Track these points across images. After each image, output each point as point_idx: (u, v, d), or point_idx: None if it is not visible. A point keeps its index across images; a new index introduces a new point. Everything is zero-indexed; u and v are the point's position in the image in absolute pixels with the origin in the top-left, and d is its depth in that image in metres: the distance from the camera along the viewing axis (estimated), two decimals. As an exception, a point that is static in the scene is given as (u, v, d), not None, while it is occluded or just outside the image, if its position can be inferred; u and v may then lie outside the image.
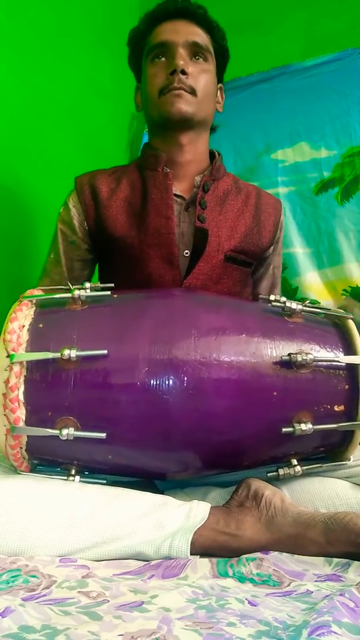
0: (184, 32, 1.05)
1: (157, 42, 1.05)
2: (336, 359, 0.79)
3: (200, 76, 1.05)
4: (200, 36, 1.06)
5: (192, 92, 1.03)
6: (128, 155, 1.93)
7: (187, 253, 1.05)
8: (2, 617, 0.50)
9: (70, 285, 0.82)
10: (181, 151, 1.08)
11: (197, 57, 1.05)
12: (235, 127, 1.76)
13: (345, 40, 1.75)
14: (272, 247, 1.16)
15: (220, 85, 1.15)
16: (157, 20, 1.07)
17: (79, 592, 0.58)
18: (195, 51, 1.05)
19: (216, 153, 1.14)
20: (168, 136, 1.07)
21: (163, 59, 1.05)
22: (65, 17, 1.56)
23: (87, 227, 1.07)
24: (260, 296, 0.87)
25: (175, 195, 1.06)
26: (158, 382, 0.74)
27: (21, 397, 0.73)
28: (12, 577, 0.61)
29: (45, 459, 0.80)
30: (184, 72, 1.02)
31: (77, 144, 1.62)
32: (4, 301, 1.13)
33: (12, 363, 0.73)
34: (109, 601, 0.56)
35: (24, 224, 1.42)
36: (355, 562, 0.69)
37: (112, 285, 0.83)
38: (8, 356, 0.73)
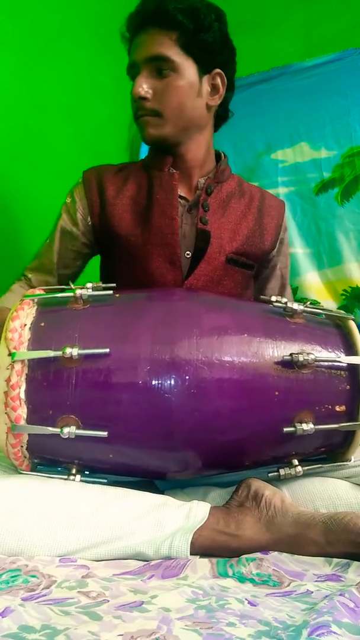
0: (145, 47, 0.98)
1: (129, 65, 1.03)
2: (337, 359, 0.79)
3: (165, 94, 0.99)
4: (161, 44, 0.97)
5: (157, 114, 1.00)
6: (128, 155, 1.93)
7: (188, 254, 1.05)
8: (2, 617, 0.50)
9: (72, 285, 0.83)
10: (181, 159, 1.07)
11: (160, 72, 0.98)
12: (235, 127, 1.74)
13: (345, 41, 1.76)
14: (275, 249, 1.15)
15: (217, 71, 1.03)
16: (130, 35, 1.03)
17: (78, 592, 0.58)
18: (158, 66, 0.98)
19: (222, 155, 1.13)
20: (163, 149, 1.07)
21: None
22: (65, 18, 1.56)
23: (90, 223, 1.07)
24: (262, 297, 0.87)
25: (180, 196, 1.06)
26: (160, 382, 0.74)
27: (22, 395, 0.73)
28: (12, 577, 0.61)
29: (46, 458, 0.80)
30: (142, 98, 0.99)
31: (77, 144, 1.62)
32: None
33: (13, 361, 0.73)
34: (108, 601, 0.56)
35: (24, 224, 1.42)
36: (355, 562, 0.69)
37: (114, 285, 0.84)
38: (10, 354, 0.73)
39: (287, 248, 1.20)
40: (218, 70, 1.03)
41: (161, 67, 0.98)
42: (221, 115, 1.12)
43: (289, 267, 1.22)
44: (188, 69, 1.00)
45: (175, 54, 0.98)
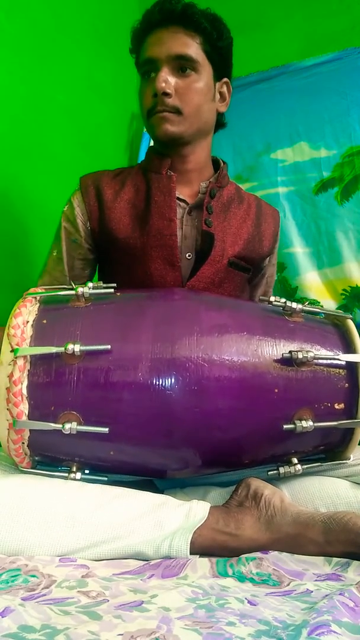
0: (168, 44, 0.99)
1: (144, 59, 1.02)
2: (336, 357, 0.80)
3: (187, 92, 1.01)
4: (186, 45, 1.00)
5: (177, 111, 1.01)
6: (127, 155, 1.93)
7: (189, 256, 1.06)
8: (2, 617, 0.50)
9: (73, 284, 0.83)
10: (183, 161, 1.08)
11: (184, 70, 1.00)
12: (235, 126, 1.75)
13: (345, 40, 1.75)
14: (269, 257, 1.18)
15: (225, 80, 1.09)
16: (144, 31, 1.03)
17: (78, 591, 0.58)
18: (181, 64, 1.00)
19: (221, 161, 1.15)
20: (168, 149, 1.07)
21: (153, 74, 1.01)
22: (65, 17, 1.56)
23: (90, 228, 1.07)
24: (261, 297, 0.88)
25: (179, 199, 1.07)
26: (160, 379, 0.74)
27: (24, 391, 0.73)
28: (12, 576, 0.61)
29: (47, 456, 0.80)
30: (165, 94, 0.99)
31: (77, 144, 1.62)
32: (3, 300, 1.13)
33: (16, 357, 0.73)
34: (108, 601, 0.56)
35: (24, 224, 1.42)
36: (355, 561, 0.69)
37: (115, 285, 0.84)
38: (12, 350, 0.73)
39: (275, 259, 1.23)
40: (226, 79, 1.09)
41: (185, 66, 1.00)
42: (220, 123, 1.14)
43: (274, 277, 1.26)
44: (207, 72, 1.04)
45: (199, 56, 1.01)
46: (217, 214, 1.07)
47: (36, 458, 0.80)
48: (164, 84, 0.98)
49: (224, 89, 1.09)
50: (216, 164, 1.15)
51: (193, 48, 1.00)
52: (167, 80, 0.99)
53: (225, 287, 1.07)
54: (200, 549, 0.71)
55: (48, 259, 1.12)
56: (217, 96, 1.08)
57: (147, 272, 1.03)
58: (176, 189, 1.06)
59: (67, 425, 0.73)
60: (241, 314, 0.85)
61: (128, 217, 1.05)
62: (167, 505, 0.74)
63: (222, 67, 1.07)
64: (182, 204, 1.07)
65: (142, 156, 1.76)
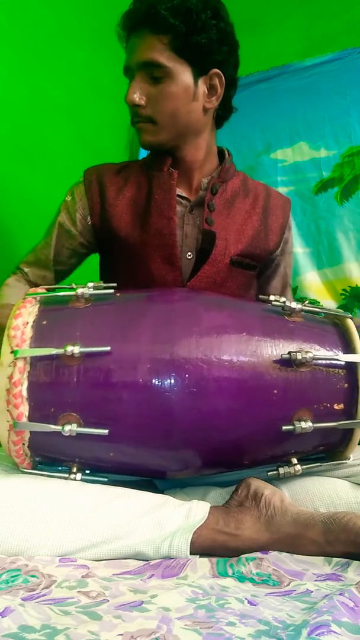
0: (137, 51, 0.96)
1: (124, 68, 1.00)
2: (335, 357, 0.79)
3: (159, 100, 0.97)
4: (152, 49, 0.94)
5: (151, 121, 0.99)
6: (127, 155, 1.93)
7: (190, 255, 1.04)
8: (2, 617, 0.50)
9: (73, 284, 0.83)
10: (181, 161, 1.06)
11: (154, 77, 0.96)
12: (235, 126, 1.75)
13: (345, 40, 1.75)
14: (279, 249, 1.13)
15: (214, 71, 0.98)
16: (124, 39, 1.00)
17: (78, 591, 0.58)
18: (151, 71, 0.95)
19: (226, 152, 1.11)
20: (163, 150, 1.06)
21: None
22: (65, 17, 1.56)
23: (90, 223, 1.07)
24: (260, 296, 0.87)
25: (180, 196, 1.05)
26: (160, 380, 0.74)
27: (24, 392, 0.74)
28: (12, 576, 0.61)
29: (48, 457, 0.80)
30: (136, 105, 0.97)
31: (77, 143, 1.62)
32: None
33: (16, 359, 0.73)
34: (108, 601, 0.56)
35: (24, 224, 1.42)
36: (355, 561, 0.69)
37: (115, 285, 0.84)
38: (12, 352, 0.73)
39: (291, 247, 1.19)
40: (216, 70, 0.99)
41: (154, 73, 0.96)
42: (222, 115, 1.09)
43: (291, 266, 1.21)
44: (182, 73, 0.96)
45: (168, 59, 0.95)
46: (219, 211, 1.04)
47: (36, 459, 0.80)
48: (134, 96, 0.97)
49: (215, 81, 0.99)
50: (222, 155, 1.11)
51: (160, 51, 0.94)
52: (137, 91, 0.97)
53: (229, 287, 1.05)
54: (200, 549, 0.71)
55: (41, 239, 1.13)
56: (203, 91, 0.99)
57: (147, 271, 1.02)
58: (176, 186, 1.04)
59: (67, 427, 0.73)
60: (241, 314, 0.85)
61: (129, 214, 1.04)
62: (167, 505, 0.74)
63: (203, 61, 0.97)
64: (183, 201, 1.05)
65: (141, 156, 1.76)
